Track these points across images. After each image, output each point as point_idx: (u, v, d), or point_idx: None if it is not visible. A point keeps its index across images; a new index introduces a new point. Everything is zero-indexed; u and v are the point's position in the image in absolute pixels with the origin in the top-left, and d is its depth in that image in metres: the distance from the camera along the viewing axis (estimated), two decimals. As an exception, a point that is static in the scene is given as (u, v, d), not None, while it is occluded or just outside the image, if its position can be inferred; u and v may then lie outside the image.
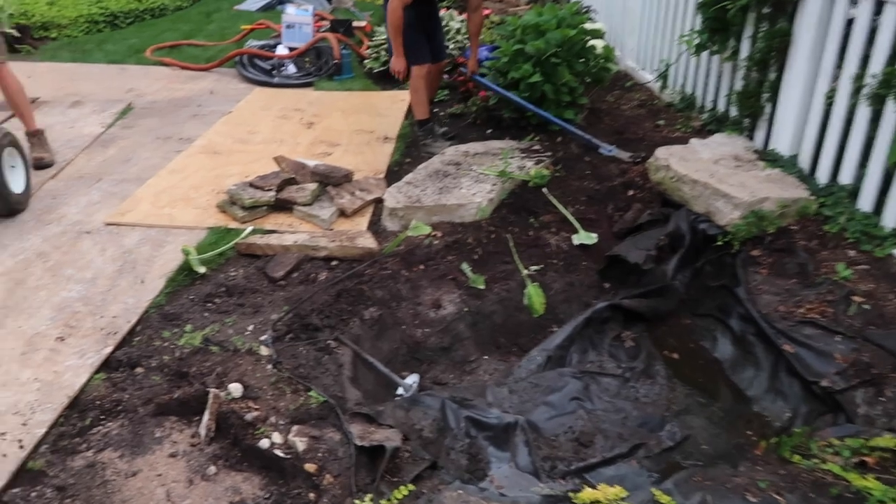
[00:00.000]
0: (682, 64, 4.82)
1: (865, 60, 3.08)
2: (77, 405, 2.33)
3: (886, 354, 2.47)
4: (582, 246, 3.41)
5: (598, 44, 4.85)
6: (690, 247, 3.34)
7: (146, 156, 4.38)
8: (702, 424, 2.55)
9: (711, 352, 2.98)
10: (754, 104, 3.90)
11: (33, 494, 2.01)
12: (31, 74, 5.92)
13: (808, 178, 3.44)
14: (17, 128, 4.25)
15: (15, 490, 2.02)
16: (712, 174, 3.47)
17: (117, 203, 3.71)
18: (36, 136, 4.24)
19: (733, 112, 4.17)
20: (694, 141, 3.94)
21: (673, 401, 2.69)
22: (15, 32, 6.85)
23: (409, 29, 4.21)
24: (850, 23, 3.18)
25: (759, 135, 3.91)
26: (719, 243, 3.24)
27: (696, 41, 4.29)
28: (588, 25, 4.79)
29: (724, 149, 3.83)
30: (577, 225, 3.50)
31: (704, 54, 4.40)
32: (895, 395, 2.35)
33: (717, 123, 4.32)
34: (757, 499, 1.91)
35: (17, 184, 3.58)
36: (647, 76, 5.42)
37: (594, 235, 3.43)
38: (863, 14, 3.07)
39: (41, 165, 4.13)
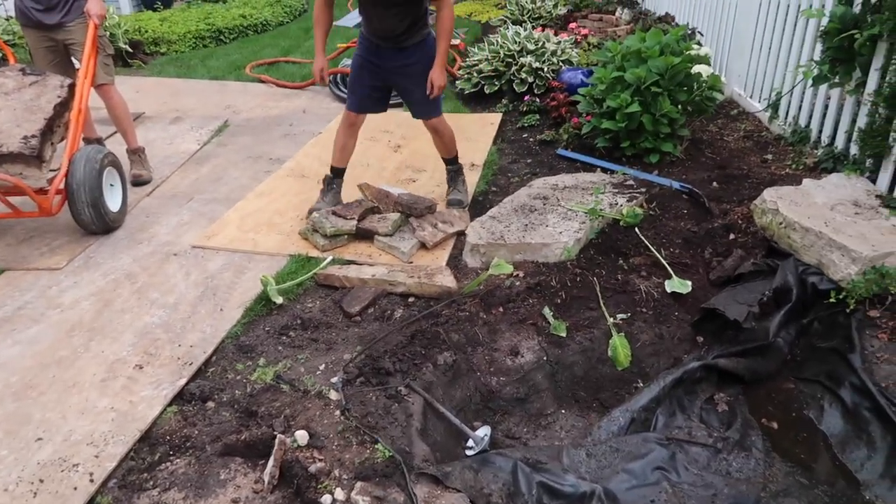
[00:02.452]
0: (796, 93, 4.47)
1: None
2: (148, 438, 2.34)
3: None
4: (675, 294, 3.17)
5: (704, 70, 4.57)
6: (798, 301, 3.04)
7: (236, 175, 4.46)
8: (804, 511, 2.28)
9: (817, 424, 2.68)
10: (880, 143, 3.53)
11: (99, 532, 2.01)
12: (139, 89, 6.24)
13: (940, 230, 3.06)
14: (119, 142, 4.44)
15: (81, 526, 2.03)
16: (827, 222, 3.15)
17: (205, 224, 3.78)
18: (136, 153, 4.41)
19: (854, 150, 3.80)
20: (807, 182, 3.61)
21: (770, 479, 2.42)
22: (128, 48, 7.26)
23: (356, 66, 3.64)
24: None
25: (884, 177, 3.54)
26: (832, 300, 2.93)
27: (815, 72, 3.95)
28: (693, 51, 4.52)
29: (842, 192, 3.49)
30: (670, 270, 3.26)
31: (824, 87, 4.05)
32: None
33: (834, 162, 3.96)
34: None
35: (114, 202, 3.71)
36: (756, 105, 5.07)
37: (688, 283, 3.18)
38: None
39: (139, 182, 4.29)
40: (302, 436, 2.24)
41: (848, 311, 2.87)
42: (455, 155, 3.98)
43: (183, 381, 2.57)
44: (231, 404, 2.49)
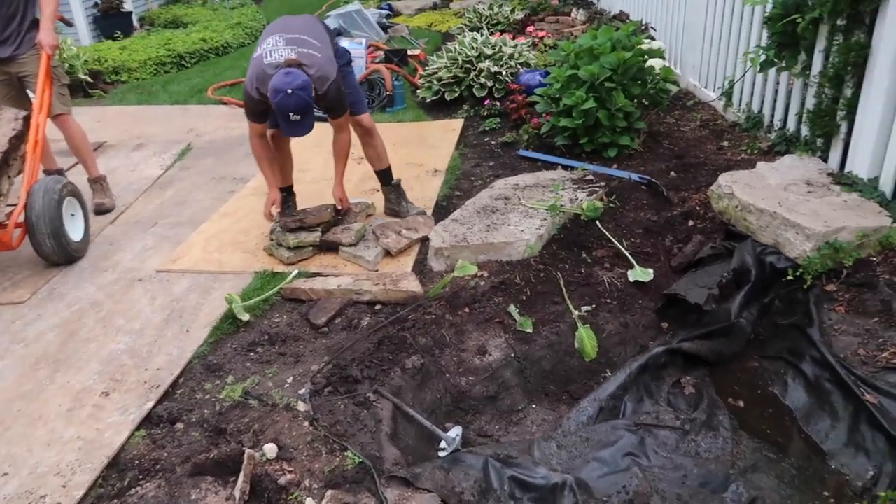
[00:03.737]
0: (747, 80, 4.56)
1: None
2: (116, 464, 2.32)
3: None
4: (637, 283, 3.22)
5: (657, 63, 4.64)
6: (757, 282, 3.10)
7: (200, 197, 4.45)
8: (771, 484, 2.32)
9: (781, 399, 2.73)
10: (828, 123, 3.62)
11: (68, 561, 1.99)
12: (100, 119, 6.21)
13: (890, 203, 3.13)
14: (82, 172, 4.42)
15: (50, 556, 2.01)
16: (781, 202, 3.22)
17: (170, 248, 3.77)
18: (98, 182, 4.39)
19: (804, 131, 3.89)
20: (761, 165, 3.69)
21: (738, 456, 2.46)
22: (88, 78, 7.22)
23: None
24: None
25: (834, 156, 3.62)
26: (790, 278, 2.99)
27: (762, 58, 4.04)
28: (646, 45, 4.60)
29: (795, 172, 3.56)
30: (632, 260, 3.31)
31: (772, 70, 4.14)
32: None
33: (787, 144, 4.04)
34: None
35: (75, 232, 3.69)
36: (710, 94, 5.16)
37: (650, 271, 3.22)
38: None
39: (102, 211, 4.27)
40: (271, 449, 2.24)
41: (805, 287, 2.94)
42: (389, 166, 3.89)
43: (150, 405, 2.56)
44: (200, 424, 2.48)
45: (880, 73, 3.18)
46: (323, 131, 3.59)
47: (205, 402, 2.59)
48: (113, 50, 8.27)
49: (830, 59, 3.57)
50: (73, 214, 3.73)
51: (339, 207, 3.65)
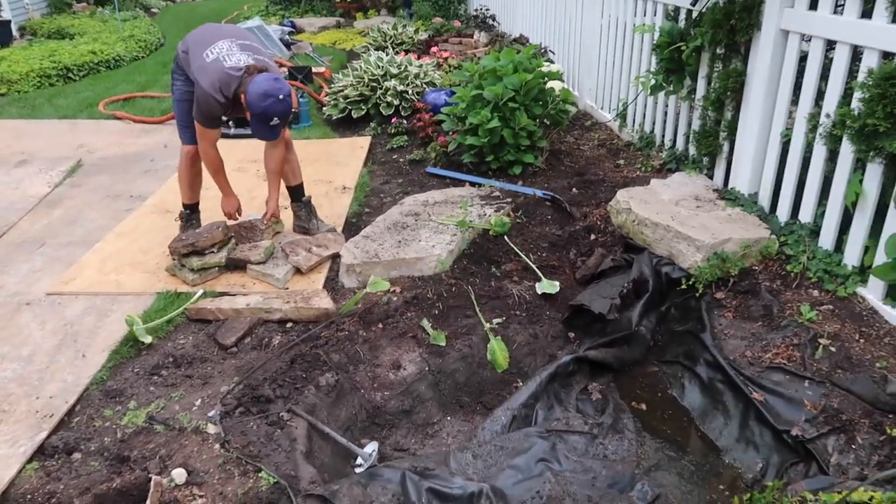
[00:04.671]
0: (640, 103, 4.85)
1: (820, 98, 3.08)
2: (6, 501, 2.16)
3: (855, 400, 2.41)
4: (545, 295, 3.33)
5: (557, 85, 4.86)
6: (654, 291, 3.29)
7: (94, 216, 4.23)
8: (673, 481, 2.45)
9: (679, 401, 2.90)
10: (712, 143, 3.90)
11: None
12: (-24, 133, 5.76)
13: (768, 217, 3.42)
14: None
15: None
16: (673, 216, 3.43)
17: (61, 269, 3.55)
18: (-23, 200, 4.08)
19: (692, 151, 4.17)
20: (654, 182, 3.92)
21: (643, 456, 2.59)
22: (-38, 90, 6.70)
23: (184, 101, 3.46)
24: (804, 58, 3.19)
25: (719, 173, 3.91)
26: (683, 287, 3.19)
27: (652, 82, 4.31)
28: (545, 68, 4.80)
29: (685, 189, 3.82)
30: (539, 273, 3.43)
31: (662, 94, 4.42)
32: (866, 442, 2.28)
33: (677, 162, 4.33)
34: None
35: (-48, 254, 3.42)
36: (606, 115, 5.44)
37: (557, 284, 3.35)
38: (815, 52, 3.08)
39: (-19, 231, 3.97)
40: (179, 474, 2.15)
41: (697, 294, 3.14)
42: (302, 182, 3.89)
43: (43, 435, 2.39)
44: (100, 453, 2.35)
45: (755, 98, 3.47)
46: (226, 147, 3.51)
47: (105, 430, 2.45)
48: (-10, 60, 7.74)
49: (712, 84, 3.86)
50: (-51, 234, 3.45)
51: (234, 221, 3.63)
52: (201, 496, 2.09)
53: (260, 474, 2.19)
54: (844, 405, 2.42)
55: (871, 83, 2.69)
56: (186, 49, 3.35)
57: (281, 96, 3.14)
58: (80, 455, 2.34)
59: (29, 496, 2.17)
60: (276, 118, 3.19)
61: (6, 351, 2.88)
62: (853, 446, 2.31)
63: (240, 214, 3.73)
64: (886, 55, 2.72)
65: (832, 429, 2.37)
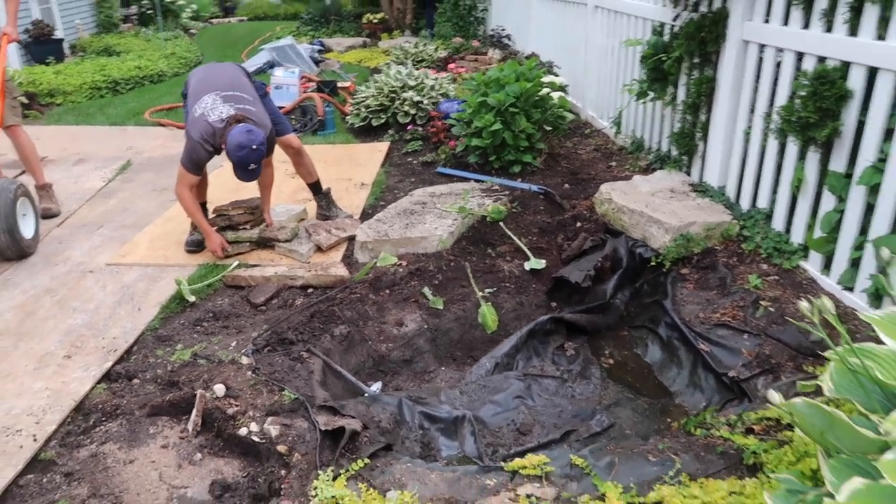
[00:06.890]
0: (632, 111, 5.33)
1: (773, 101, 3.55)
2: (82, 409, 2.70)
3: (784, 347, 2.85)
4: (533, 271, 3.82)
5: (556, 94, 5.37)
6: (629, 269, 3.76)
7: (143, 205, 4.83)
8: (628, 415, 2.91)
9: (643, 357, 3.36)
10: (690, 143, 4.37)
11: (45, 479, 2.35)
12: (38, 137, 6.42)
13: (733, 205, 3.87)
14: (27, 182, 4.71)
15: (29, 476, 2.37)
16: (648, 204, 3.91)
17: (117, 246, 4.13)
18: (44, 189, 4.70)
19: (673, 151, 4.64)
20: (636, 177, 4.40)
21: (604, 397, 3.05)
22: (24, 98, 7.43)
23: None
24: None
25: (695, 170, 4.37)
26: (653, 264, 3.65)
27: (638, 89, 4.80)
28: (546, 79, 5.32)
29: (663, 183, 4.29)
30: (529, 253, 3.92)
31: (651, 103, 4.90)
32: (789, 379, 2.72)
33: (661, 162, 4.79)
34: (656, 458, 2.26)
35: (27, 230, 4.01)
36: (604, 123, 5.93)
37: (543, 261, 3.83)
38: (768, 59, 3.56)
39: (48, 215, 4.57)
40: (220, 388, 2.67)
41: (665, 270, 3.60)
42: (318, 179, 4.40)
43: (109, 364, 2.94)
44: (154, 380, 2.88)
45: (723, 101, 3.94)
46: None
47: (157, 364, 2.99)
48: (47, 74, 8.50)
49: (690, 90, 4.34)
50: (24, 214, 4.04)
51: (221, 255, 3.91)
52: (237, 405, 2.60)
53: (283, 393, 2.70)
54: (775, 352, 2.86)
55: (806, 83, 3.16)
56: (186, 93, 3.89)
57: (254, 146, 3.46)
58: (138, 381, 2.88)
59: (100, 406, 2.70)
60: (252, 164, 3.53)
61: (76, 305, 3.45)
62: (777, 383, 2.74)
63: (224, 250, 3.89)
64: (821, 59, 3.19)
65: (763, 370, 2.81)
